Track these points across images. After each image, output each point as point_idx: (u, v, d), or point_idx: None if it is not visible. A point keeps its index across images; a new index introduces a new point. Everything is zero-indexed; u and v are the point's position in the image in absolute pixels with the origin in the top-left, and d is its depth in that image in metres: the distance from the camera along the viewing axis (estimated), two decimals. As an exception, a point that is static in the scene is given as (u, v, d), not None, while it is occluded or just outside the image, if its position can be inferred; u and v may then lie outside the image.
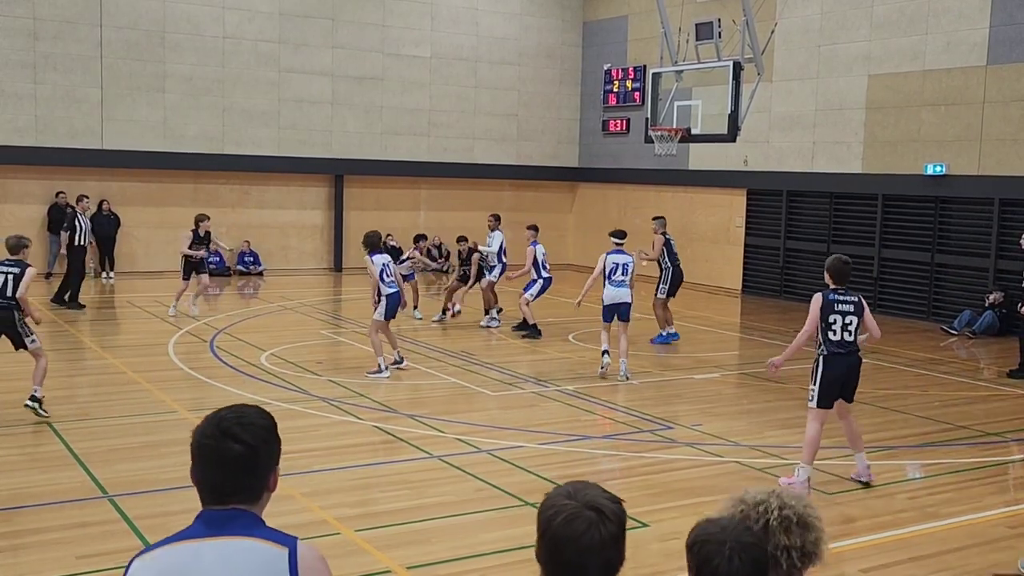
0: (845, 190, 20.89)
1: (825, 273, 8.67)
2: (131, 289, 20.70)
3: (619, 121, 26.54)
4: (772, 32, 19.95)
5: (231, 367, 12.95)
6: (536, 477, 8.61)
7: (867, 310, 8.60)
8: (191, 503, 8.08)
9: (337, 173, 25.03)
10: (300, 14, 24.25)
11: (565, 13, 27.75)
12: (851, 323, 8.47)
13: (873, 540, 7.36)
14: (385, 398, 11.47)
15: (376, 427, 10.23)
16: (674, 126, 17.17)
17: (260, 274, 23.85)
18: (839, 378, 8.52)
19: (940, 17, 18.91)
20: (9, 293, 9.84)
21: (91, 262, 22.45)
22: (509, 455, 9.28)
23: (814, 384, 8.58)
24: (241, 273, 23.77)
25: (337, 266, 25.17)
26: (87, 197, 19.12)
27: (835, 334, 8.46)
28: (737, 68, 16.00)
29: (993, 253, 18.22)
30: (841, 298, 8.49)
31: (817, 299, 8.52)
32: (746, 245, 23.03)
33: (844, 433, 8.88)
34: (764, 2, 20.07)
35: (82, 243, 18.24)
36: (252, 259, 23.93)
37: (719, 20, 16.60)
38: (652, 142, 17.61)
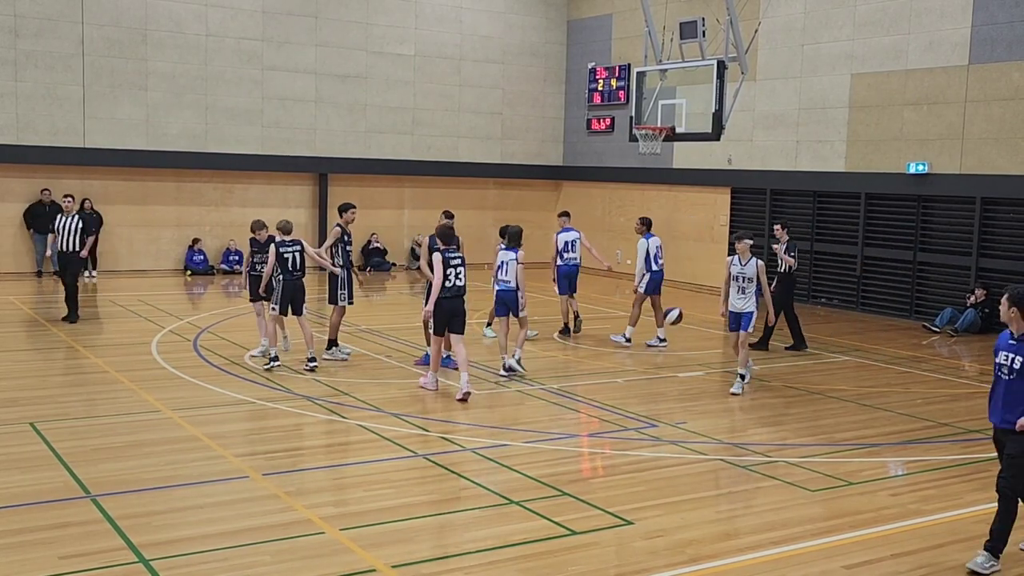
0: (828, 188, 20.99)
1: (436, 238, 11.76)
2: (114, 288, 20.59)
3: (603, 120, 26.58)
4: (756, 31, 20.09)
5: (215, 366, 12.90)
6: (521, 476, 8.61)
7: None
8: (174, 503, 8.06)
9: (321, 172, 24.97)
10: (283, 12, 24.17)
11: (549, 11, 27.76)
12: (461, 273, 11.55)
13: (856, 537, 7.39)
14: (369, 397, 11.45)
15: (360, 426, 10.22)
16: (658, 125, 17.22)
17: (244, 272, 23.76)
18: (448, 313, 11.56)
19: (922, 16, 19.01)
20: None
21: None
22: (494, 453, 9.28)
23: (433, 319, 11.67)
24: (225, 272, 23.67)
25: (321, 265, 25.07)
26: (71, 197, 16.87)
27: (450, 282, 11.45)
28: (721, 67, 16.05)
29: (975, 251, 18.34)
30: (452, 255, 11.57)
31: (438, 257, 11.47)
32: (730, 243, 23.10)
33: (455, 357, 11.89)
34: (748, 1, 20.15)
35: (63, 248, 15.95)
36: (237, 258, 23.83)
37: (703, 19, 16.67)
38: (636, 141, 17.64)
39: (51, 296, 19.54)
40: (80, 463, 8.59)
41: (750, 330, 12.52)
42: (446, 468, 8.78)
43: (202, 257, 23.57)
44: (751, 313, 12.46)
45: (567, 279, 15.81)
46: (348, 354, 13.70)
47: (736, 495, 8.43)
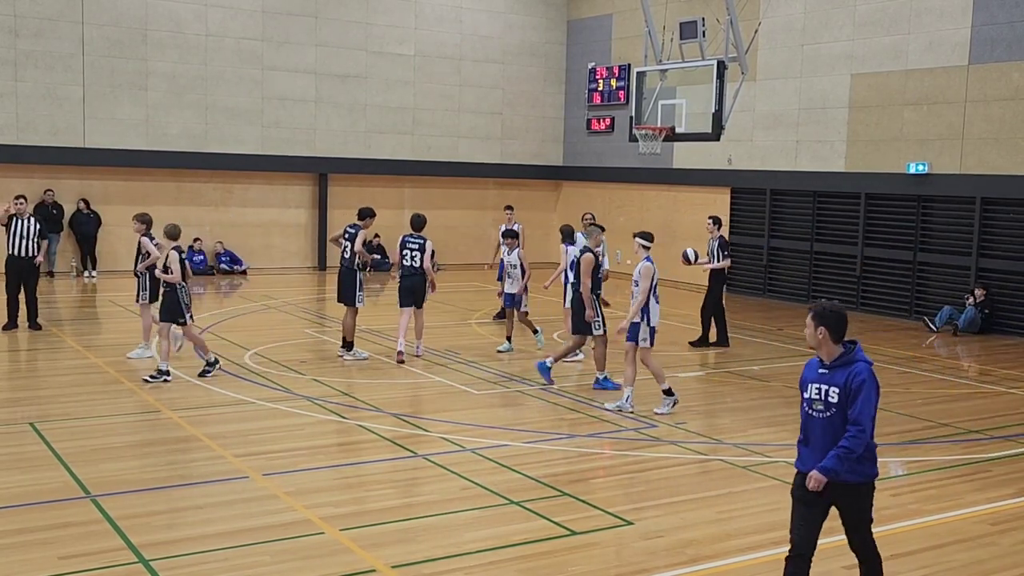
0: (828, 189, 20.99)
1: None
2: (113, 288, 20.60)
3: (603, 120, 26.58)
4: (756, 31, 20.08)
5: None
6: (521, 476, 8.61)
7: (428, 248, 13.44)
8: (174, 503, 8.02)
9: (321, 172, 24.98)
10: (283, 11, 24.16)
11: (549, 11, 27.77)
12: (416, 256, 13.45)
13: (856, 537, 7.37)
14: (370, 397, 11.45)
15: (361, 426, 10.22)
16: (658, 125, 17.22)
17: (243, 273, 23.77)
18: (407, 289, 13.50)
19: (922, 17, 19.01)
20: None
21: (73, 261, 22.41)
22: (494, 454, 9.28)
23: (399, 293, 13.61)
24: (224, 272, 23.67)
25: (321, 265, 25.11)
26: (23, 198, 15.18)
27: (407, 261, 13.52)
28: (721, 67, 16.06)
29: (975, 251, 18.34)
30: (411, 240, 13.52)
31: (400, 241, 13.57)
32: (730, 244, 23.07)
33: (414, 327, 13.64)
34: (748, 1, 20.16)
35: (15, 252, 14.88)
36: (227, 259, 23.81)
37: (703, 19, 16.68)
38: (636, 141, 17.65)
39: (52, 296, 19.55)
40: (80, 463, 8.58)
41: (639, 343, 10.83)
42: (446, 468, 8.78)
43: (202, 257, 23.56)
44: (636, 325, 10.75)
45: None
46: (367, 356, 13.80)
47: (736, 495, 8.42)
